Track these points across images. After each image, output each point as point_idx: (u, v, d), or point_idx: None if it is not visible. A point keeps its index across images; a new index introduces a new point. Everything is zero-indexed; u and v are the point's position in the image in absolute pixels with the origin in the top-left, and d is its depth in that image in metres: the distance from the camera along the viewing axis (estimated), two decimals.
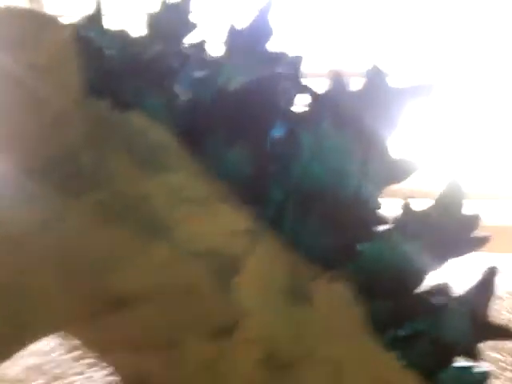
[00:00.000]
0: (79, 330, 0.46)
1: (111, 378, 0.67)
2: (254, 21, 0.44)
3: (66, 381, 0.70)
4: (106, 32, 0.45)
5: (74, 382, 0.70)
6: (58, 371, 0.70)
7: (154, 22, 0.45)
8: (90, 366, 0.71)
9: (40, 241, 0.41)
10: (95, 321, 0.43)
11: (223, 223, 0.42)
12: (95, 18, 0.45)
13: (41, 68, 0.42)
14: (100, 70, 0.43)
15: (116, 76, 0.43)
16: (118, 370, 0.48)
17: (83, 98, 0.42)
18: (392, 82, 0.42)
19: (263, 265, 0.41)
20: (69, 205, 0.41)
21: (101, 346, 0.46)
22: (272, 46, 0.44)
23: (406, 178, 0.43)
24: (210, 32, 0.47)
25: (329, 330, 0.41)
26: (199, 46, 0.46)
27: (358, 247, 0.43)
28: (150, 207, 0.41)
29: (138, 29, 0.46)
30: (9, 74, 0.42)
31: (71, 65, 0.42)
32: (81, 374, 0.71)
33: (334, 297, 0.42)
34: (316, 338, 0.41)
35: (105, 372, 0.70)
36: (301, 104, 0.44)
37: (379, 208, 0.43)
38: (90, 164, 0.41)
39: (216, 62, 0.44)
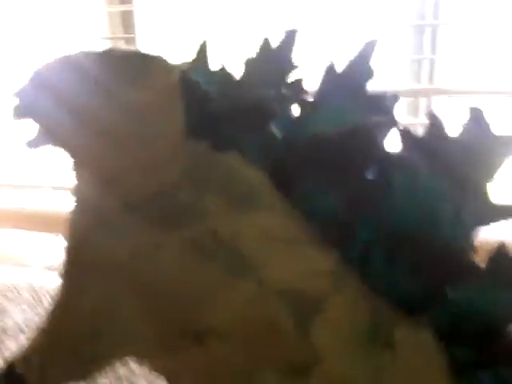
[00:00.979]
0: (155, 357, 0.48)
1: None
2: (353, 62, 0.45)
3: None
4: (211, 74, 0.48)
5: None
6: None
7: (254, 64, 0.47)
8: None
9: (130, 271, 0.45)
10: (171, 351, 0.46)
11: (308, 264, 0.42)
12: (201, 60, 0.48)
13: (148, 107, 0.47)
14: (202, 111, 0.45)
15: (216, 118, 0.45)
16: None
17: (185, 139, 0.45)
18: (494, 129, 0.40)
19: (345, 307, 0.41)
20: (162, 239, 0.44)
21: (171, 374, 0.48)
22: (370, 87, 0.44)
23: (500, 221, 0.41)
24: (307, 71, 0.48)
25: (410, 376, 0.40)
26: (296, 86, 0.47)
27: (448, 292, 0.41)
28: (239, 245, 0.43)
29: (237, 68, 0.49)
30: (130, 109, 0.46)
31: (176, 106, 0.46)
32: None
33: (417, 343, 0.41)
34: None
35: None
36: (395, 145, 0.43)
37: (471, 252, 0.42)
38: (186, 202, 0.44)
39: (312, 104, 0.45)
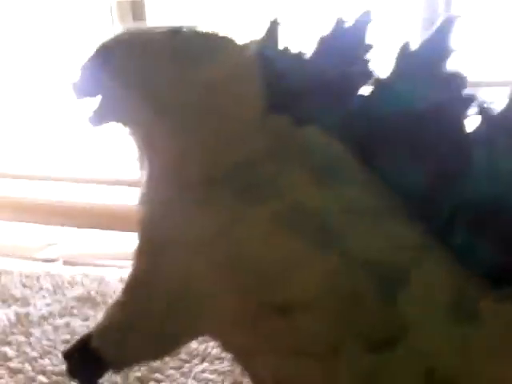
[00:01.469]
0: (232, 333, 0.48)
1: None
2: (429, 40, 0.45)
3: None
4: (282, 52, 0.48)
5: None
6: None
7: (327, 42, 0.47)
8: None
9: (213, 247, 0.45)
10: (251, 326, 0.46)
11: (392, 236, 0.43)
12: (272, 38, 0.49)
13: (224, 82, 0.46)
14: (280, 87, 0.46)
15: (295, 94, 0.46)
16: (256, 372, 0.50)
17: (264, 114, 0.46)
18: None
19: (429, 279, 0.42)
20: (246, 213, 0.45)
21: (245, 352, 0.49)
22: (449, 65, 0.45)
23: None
24: (379, 50, 0.48)
25: (497, 349, 0.41)
26: (370, 64, 0.47)
27: None
28: (324, 218, 0.43)
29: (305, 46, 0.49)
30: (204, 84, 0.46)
31: (254, 82, 0.46)
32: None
33: (503, 316, 0.42)
34: (482, 356, 0.41)
35: None
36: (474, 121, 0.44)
37: None
38: (269, 175, 0.45)
39: (388, 81, 0.46)
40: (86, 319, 0.86)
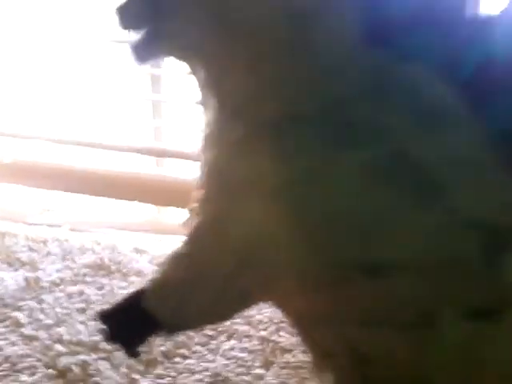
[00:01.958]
0: (304, 296, 0.43)
1: None
2: None
3: None
4: None
5: None
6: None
7: None
8: None
9: (295, 194, 0.40)
10: (333, 290, 0.41)
11: (498, 193, 0.39)
12: None
13: (309, 10, 0.41)
14: (380, 21, 0.40)
15: (397, 28, 0.40)
16: (324, 343, 0.46)
17: (361, 48, 0.40)
18: None
19: None
20: (336, 158, 0.39)
21: (319, 317, 0.44)
22: None
23: None
24: None
25: None
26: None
27: None
28: (424, 169, 0.38)
29: None
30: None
31: (346, 10, 0.41)
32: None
33: None
34: None
35: None
36: None
37: None
38: (365, 116, 0.39)
39: (497, 23, 0.41)
40: (101, 288, 0.81)
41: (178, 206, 1.14)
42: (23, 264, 0.86)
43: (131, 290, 0.80)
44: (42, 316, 0.75)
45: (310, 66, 0.41)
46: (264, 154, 0.40)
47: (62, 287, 0.81)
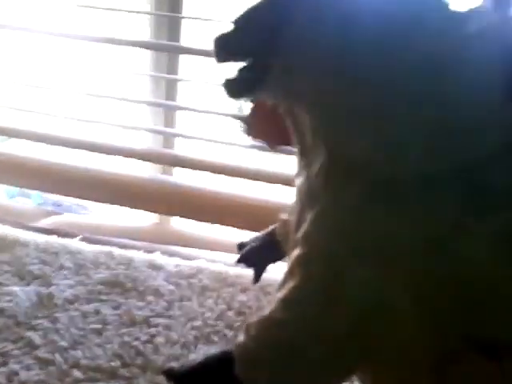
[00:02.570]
0: (406, 374, 0.40)
1: None
2: None
3: None
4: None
5: None
6: None
7: None
8: None
9: (423, 262, 0.37)
10: (443, 369, 0.38)
11: None
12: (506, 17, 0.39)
13: (447, 60, 0.37)
14: None
15: None
16: None
17: (500, 104, 0.37)
18: None
19: None
20: (467, 222, 0.36)
21: None
22: None
23: None
24: None
25: None
26: None
27: None
28: None
29: None
30: None
31: (490, 65, 0.37)
32: None
33: None
34: None
35: None
36: None
37: None
38: (499, 180, 0.36)
39: None
40: (117, 307, 0.78)
41: (184, 216, 1.12)
42: (35, 277, 0.83)
43: (148, 310, 0.79)
44: (56, 337, 0.72)
45: (443, 121, 0.37)
46: (386, 218, 0.38)
47: (76, 305, 0.78)
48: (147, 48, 1.01)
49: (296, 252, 0.42)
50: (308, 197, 0.42)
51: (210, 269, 0.87)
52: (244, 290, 0.82)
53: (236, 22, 0.40)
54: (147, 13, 0.99)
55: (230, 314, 0.78)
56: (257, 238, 0.66)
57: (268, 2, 0.40)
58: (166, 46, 1.00)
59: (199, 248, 1.06)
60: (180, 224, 1.13)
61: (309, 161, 0.42)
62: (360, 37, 0.37)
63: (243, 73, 0.41)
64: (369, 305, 0.38)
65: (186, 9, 1.01)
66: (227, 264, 0.91)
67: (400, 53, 0.37)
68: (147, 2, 1.00)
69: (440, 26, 0.37)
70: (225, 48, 0.40)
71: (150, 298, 0.80)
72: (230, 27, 0.40)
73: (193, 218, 1.09)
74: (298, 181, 0.45)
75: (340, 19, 0.38)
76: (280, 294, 0.42)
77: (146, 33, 1.02)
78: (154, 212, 1.14)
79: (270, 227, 0.65)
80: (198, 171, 1.07)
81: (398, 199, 0.37)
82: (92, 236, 0.98)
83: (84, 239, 0.96)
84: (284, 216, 0.63)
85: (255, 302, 0.80)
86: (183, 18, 0.99)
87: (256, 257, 0.65)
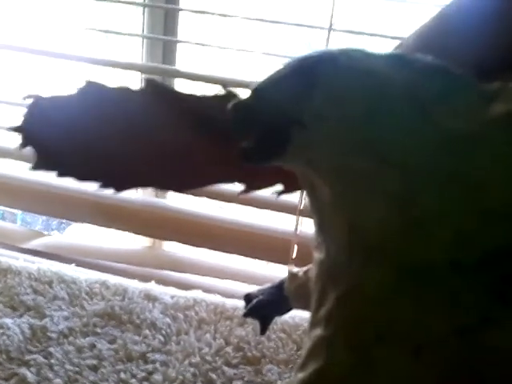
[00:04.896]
0: None
1: None
2: None
3: None
4: None
5: None
6: None
7: None
8: None
9: (448, 348, 0.36)
10: None
11: None
12: None
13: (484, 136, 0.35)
14: None
15: None
16: None
17: None
18: None
19: None
20: (498, 312, 0.35)
21: None
22: None
23: None
24: None
25: None
26: None
27: None
28: None
29: None
30: None
31: None
32: None
33: None
34: None
35: None
36: None
37: None
38: None
39: None
40: (113, 341, 0.77)
41: (176, 240, 1.11)
42: (28, 309, 0.81)
43: (145, 345, 0.77)
44: (51, 374, 0.70)
45: (474, 205, 0.35)
46: (413, 308, 0.36)
47: (71, 339, 0.76)
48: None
49: (318, 332, 0.41)
50: (329, 275, 0.41)
51: (207, 301, 0.86)
52: (241, 324, 0.82)
53: (256, 90, 0.39)
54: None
55: (229, 349, 0.77)
56: (264, 291, 0.65)
57: (292, 70, 0.39)
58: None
59: (192, 273, 1.06)
60: (173, 248, 1.12)
61: (328, 236, 0.41)
62: (389, 117, 0.37)
63: (262, 141, 0.40)
64: None
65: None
66: (223, 295, 0.90)
67: (428, 132, 0.36)
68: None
69: (468, 105, 0.37)
70: (244, 115, 0.39)
71: (147, 331, 0.79)
72: (248, 95, 0.40)
73: (186, 243, 1.08)
74: (317, 255, 0.44)
75: (370, 97, 0.37)
76: (301, 375, 0.41)
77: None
78: (147, 236, 1.13)
79: (278, 280, 0.65)
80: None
81: (425, 287, 0.36)
82: (85, 260, 0.97)
83: (77, 264, 0.95)
84: (293, 271, 0.62)
85: (253, 336, 0.79)
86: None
87: (263, 310, 0.65)
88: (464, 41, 0.43)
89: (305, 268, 0.62)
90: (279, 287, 0.64)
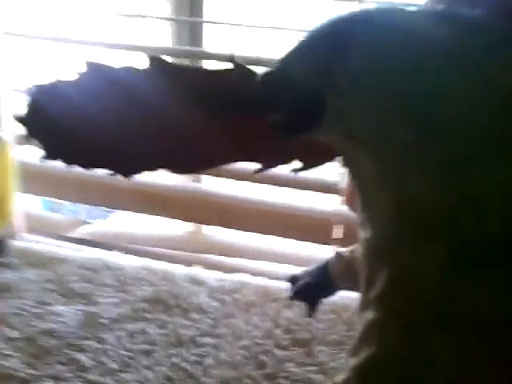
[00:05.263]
0: None
1: None
2: None
3: None
4: None
5: None
6: None
7: None
8: None
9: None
10: None
11: None
12: None
13: None
14: None
15: None
16: None
17: None
18: None
19: None
20: None
21: None
22: None
23: None
24: None
25: None
26: None
27: None
28: None
29: None
30: None
31: None
32: None
33: None
34: None
35: None
36: None
37: None
38: None
39: None
40: (163, 326, 0.78)
41: (217, 224, 1.11)
42: (79, 296, 0.82)
43: (194, 329, 0.77)
44: (105, 359, 0.72)
45: None
46: (467, 287, 0.35)
47: (122, 325, 0.78)
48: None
49: (370, 315, 0.39)
50: (377, 253, 0.39)
51: (253, 283, 0.87)
52: (289, 306, 0.81)
53: (286, 57, 0.38)
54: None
55: (278, 331, 0.78)
56: (310, 273, 0.64)
57: (325, 32, 0.37)
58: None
59: (234, 256, 1.06)
60: (212, 232, 1.13)
61: (375, 212, 0.39)
62: (435, 78, 0.34)
63: (295, 113, 0.38)
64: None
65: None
66: (268, 277, 0.90)
67: (483, 92, 0.33)
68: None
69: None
70: (274, 86, 0.37)
71: (195, 315, 0.80)
72: (277, 64, 0.38)
73: (227, 227, 1.08)
74: (363, 233, 0.42)
75: (411, 57, 0.35)
76: (354, 361, 0.39)
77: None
78: (189, 221, 1.13)
79: (322, 261, 0.64)
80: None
81: (482, 268, 0.34)
82: (128, 246, 0.98)
83: (121, 250, 0.96)
84: (339, 251, 0.61)
85: (302, 318, 0.79)
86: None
87: (309, 292, 0.64)
88: None
89: (350, 247, 0.61)
90: (324, 268, 0.63)
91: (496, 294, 0.34)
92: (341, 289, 0.64)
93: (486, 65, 0.34)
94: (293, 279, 0.65)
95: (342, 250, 0.61)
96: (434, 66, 0.34)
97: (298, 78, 0.37)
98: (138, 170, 0.55)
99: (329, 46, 0.36)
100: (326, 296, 0.67)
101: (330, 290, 0.64)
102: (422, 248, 0.35)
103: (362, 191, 0.40)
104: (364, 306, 0.41)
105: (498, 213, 0.34)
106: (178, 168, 0.58)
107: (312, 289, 0.63)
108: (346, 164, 0.40)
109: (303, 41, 0.38)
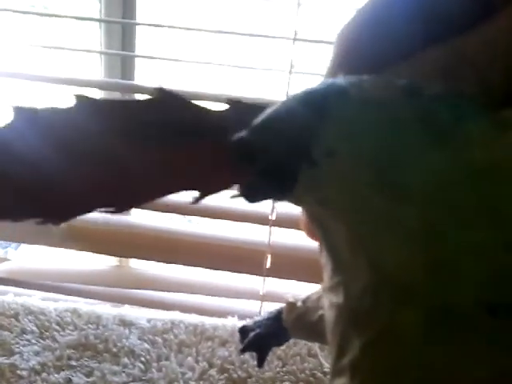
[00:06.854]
0: None
1: None
2: None
3: None
4: None
5: None
6: None
7: None
8: None
9: None
10: None
11: None
12: None
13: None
14: None
15: None
16: None
17: None
18: None
19: None
20: None
21: None
22: None
23: None
24: None
25: None
26: None
27: None
28: None
29: None
30: None
31: None
32: None
33: None
34: None
35: None
36: None
37: None
38: None
39: None
40: (90, 374, 0.73)
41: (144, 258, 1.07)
42: None
43: (125, 375, 0.73)
44: None
45: (501, 240, 0.32)
46: (448, 355, 0.33)
47: (44, 375, 0.72)
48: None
49: (342, 382, 0.38)
50: (352, 319, 0.38)
51: (185, 322, 0.83)
52: (224, 344, 0.79)
53: (261, 123, 0.37)
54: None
55: (213, 372, 0.75)
56: (261, 323, 0.63)
57: (300, 103, 0.36)
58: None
59: (164, 290, 1.02)
60: (140, 265, 1.08)
61: (347, 277, 0.38)
62: (405, 150, 0.34)
63: (265, 177, 0.37)
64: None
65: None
66: (202, 313, 0.87)
67: (447, 164, 0.33)
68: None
69: (483, 134, 0.35)
70: (247, 149, 0.36)
71: (125, 360, 0.75)
72: (251, 129, 0.37)
73: (154, 260, 1.05)
74: (333, 298, 0.40)
75: (383, 130, 0.35)
76: None
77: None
78: (113, 255, 1.08)
79: (273, 311, 0.63)
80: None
81: (460, 333, 0.33)
82: (52, 284, 0.91)
83: (41, 289, 0.89)
84: (291, 301, 0.60)
85: (237, 356, 0.77)
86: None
87: (261, 343, 0.63)
88: None
89: (303, 297, 0.60)
90: (276, 318, 0.62)
91: (476, 360, 0.34)
92: (293, 338, 0.63)
93: (451, 138, 0.35)
94: (243, 330, 0.64)
95: (295, 299, 0.61)
96: (404, 138, 0.35)
97: (271, 145, 0.36)
98: (74, 214, 0.51)
99: (304, 116, 0.36)
100: (279, 345, 0.66)
101: (282, 339, 0.64)
102: (400, 313, 0.35)
103: (334, 256, 0.39)
104: (336, 373, 0.40)
105: (472, 277, 0.34)
106: (118, 205, 0.56)
107: (264, 339, 0.62)
108: (316, 228, 0.40)
109: (278, 108, 0.37)
